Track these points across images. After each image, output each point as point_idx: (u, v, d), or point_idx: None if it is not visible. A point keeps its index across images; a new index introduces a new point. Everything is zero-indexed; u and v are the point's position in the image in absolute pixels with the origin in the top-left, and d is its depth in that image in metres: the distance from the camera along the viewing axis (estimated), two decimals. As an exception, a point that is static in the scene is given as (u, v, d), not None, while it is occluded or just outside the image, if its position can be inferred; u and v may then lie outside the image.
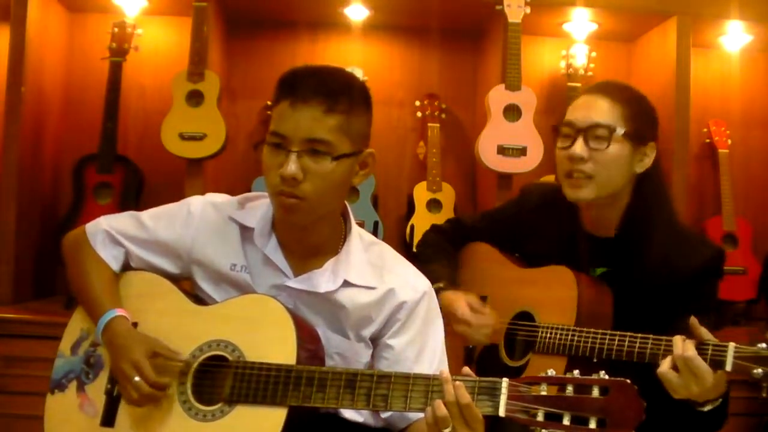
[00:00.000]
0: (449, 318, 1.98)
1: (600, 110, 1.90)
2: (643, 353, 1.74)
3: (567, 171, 1.93)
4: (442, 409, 1.42)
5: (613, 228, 1.97)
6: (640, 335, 1.76)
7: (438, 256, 2.18)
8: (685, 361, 1.63)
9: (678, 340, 1.66)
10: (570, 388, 1.34)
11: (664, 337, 1.72)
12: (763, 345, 1.59)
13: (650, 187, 1.95)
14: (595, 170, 1.89)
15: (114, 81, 3.23)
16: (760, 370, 1.58)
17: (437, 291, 1.98)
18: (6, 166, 3.03)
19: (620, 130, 1.88)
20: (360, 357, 1.69)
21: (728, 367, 1.61)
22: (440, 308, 1.90)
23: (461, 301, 1.99)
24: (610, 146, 1.88)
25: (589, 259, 1.99)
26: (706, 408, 1.70)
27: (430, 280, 1.77)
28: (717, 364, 1.62)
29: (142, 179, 3.30)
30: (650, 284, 1.90)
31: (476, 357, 2.10)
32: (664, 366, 1.66)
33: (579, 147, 1.89)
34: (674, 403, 1.70)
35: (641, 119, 1.93)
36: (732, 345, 1.62)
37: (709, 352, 1.63)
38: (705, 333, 1.66)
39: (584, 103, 1.94)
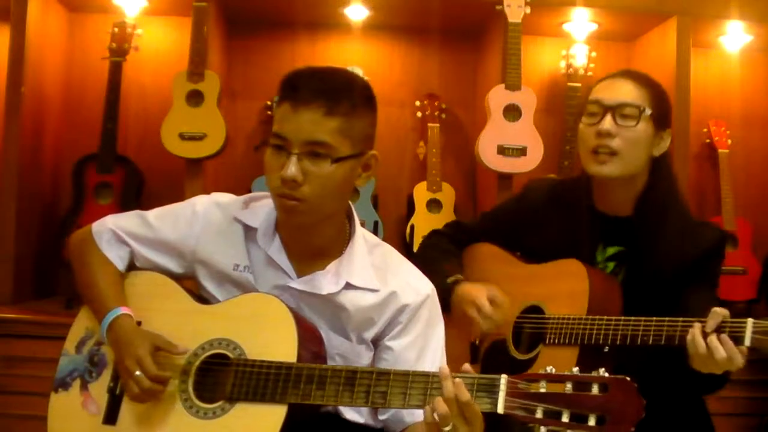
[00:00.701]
0: (465, 304, 2.00)
1: (627, 91, 1.98)
2: (659, 336, 1.78)
3: (593, 147, 1.98)
4: (442, 407, 1.42)
5: (630, 208, 2.02)
6: (655, 318, 1.79)
7: (444, 255, 2.20)
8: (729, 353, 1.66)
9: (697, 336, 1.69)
10: (569, 385, 1.33)
11: (680, 319, 1.76)
12: None
13: (664, 171, 2.03)
14: (621, 146, 1.95)
15: (114, 81, 3.23)
16: None
17: (454, 283, 2.03)
18: (6, 166, 3.03)
19: (648, 111, 1.96)
20: (361, 359, 1.69)
21: (747, 342, 1.65)
22: (456, 298, 1.99)
23: (483, 293, 2.00)
24: (638, 125, 1.95)
25: (602, 239, 2.03)
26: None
27: (442, 277, 1.78)
28: (736, 340, 1.66)
29: (142, 179, 3.30)
30: (662, 264, 1.95)
31: (483, 353, 2.11)
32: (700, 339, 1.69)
33: (608, 122, 1.96)
34: (681, 370, 1.76)
35: (663, 104, 2.02)
36: (750, 321, 1.66)
37: (728, 329, 1.67)
38: (718, 311, 1.70)
39: (610, 84, 2.02)
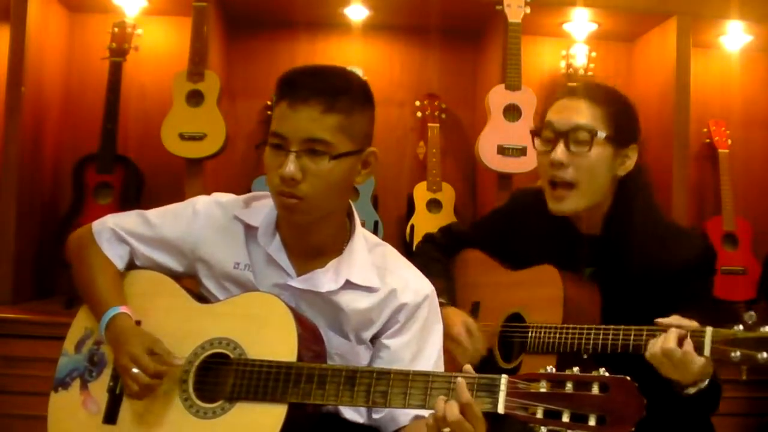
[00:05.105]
0: (445, 339, 1.96)
1: (580, 112, 1.88)
2: (627, 344, 1.73)
3: (549, 178, 1.91)
4: (453, 412, 1.39)
5: (599, 227, 1.96)
6: (623, 327, 1.75)
7: (435, 268, 2.16)
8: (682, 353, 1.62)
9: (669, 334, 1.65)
10: (570, 385, 1.33)
11: (645, 327, 1.71)
12: (740, 327, 1.56)
13: (633, 189, 1.93)
14: (577, 176, 1.87)
15: (114, 81, 3.23)
16: (738, 353, 1.55)
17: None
18: (6, 166, 3.03)
19: (601, 134, 1.86)
20: (360, 359, 1.69)
21: (706, 352, 1.60)
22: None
23: (459, 322, 2.00)
24: (591, 150, 1.85)
25: (581, 259, 1.98)
26: (691, 391, 1.69)
27: None
28: (696, 350, 1.61)
29: (142, 179, 3.30)
30: (638, 281, 1.87)
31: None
32: (656, 348, 1.65)
33: (560, 152, 1.87)
34: (664, 390, 1.70)
35: (622, 120, 1.90)
36: (709, 329, 1.61)
37: (687, 338, 1.62)
38: (681, 320, 1.66)
39: (564, 105, 1.92)
